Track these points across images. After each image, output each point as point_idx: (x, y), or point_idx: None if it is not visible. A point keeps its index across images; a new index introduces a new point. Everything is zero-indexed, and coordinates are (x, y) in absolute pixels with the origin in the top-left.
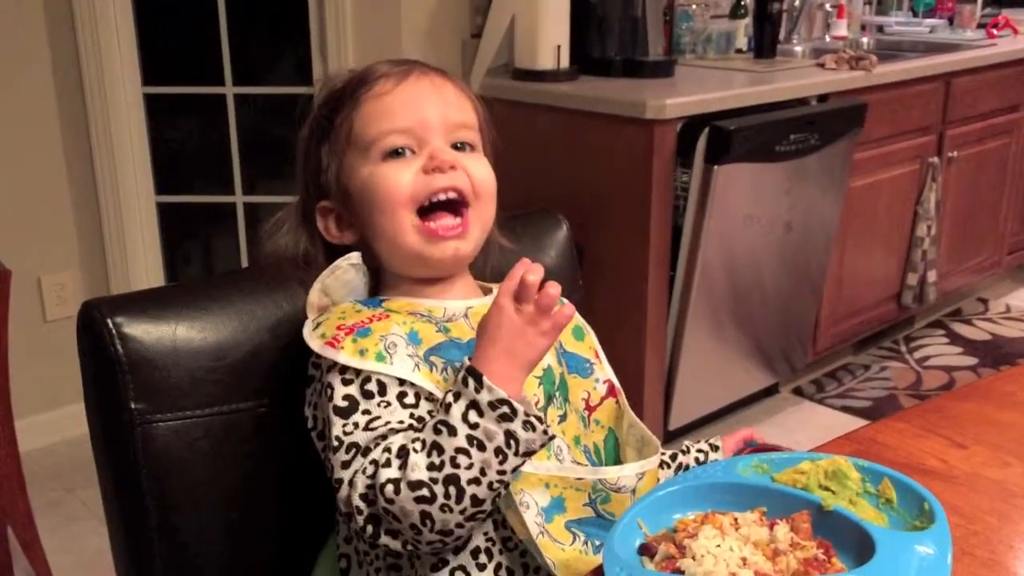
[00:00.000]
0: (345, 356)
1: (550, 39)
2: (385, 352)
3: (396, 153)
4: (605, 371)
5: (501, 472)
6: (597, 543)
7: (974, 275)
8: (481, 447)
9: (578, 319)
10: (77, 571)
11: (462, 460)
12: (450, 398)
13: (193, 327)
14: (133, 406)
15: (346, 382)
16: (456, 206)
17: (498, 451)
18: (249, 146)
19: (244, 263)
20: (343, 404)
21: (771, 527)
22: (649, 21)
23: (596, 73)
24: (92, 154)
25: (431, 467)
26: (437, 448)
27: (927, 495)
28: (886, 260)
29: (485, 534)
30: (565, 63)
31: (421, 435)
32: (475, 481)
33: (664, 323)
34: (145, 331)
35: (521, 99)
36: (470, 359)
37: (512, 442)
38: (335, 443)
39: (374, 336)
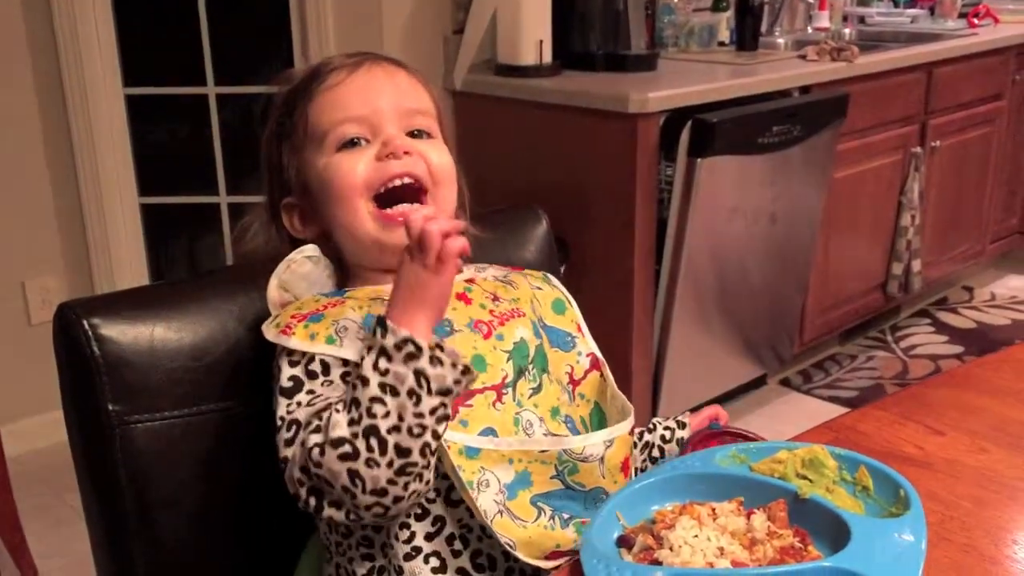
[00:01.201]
0: (296, 341)
1: (532, 34)
2: (335, 335)
3: (351, 143)
4: (588, 344)
5: (418, 415)
6: (566, 516)
7: (959, 264)
8: (394, 392)
9: (560, 291)
10: (65, 574)
11: (378, 409)
12: (363, 351)
13: (170, 327)
14: (111, 407)
15: (292, 363)
16: (414, 193)
17: (411, 392)
18: (232, 146)
19: (229, 263)
20: (288, 385)
21: (748, 516)
22: (631, 15)
23: (578, 68)
24: (74, 156)
25: (351, 422)
26: (355, 403)
27: (902, 481)
28: (871, 250)
29: (459, 520)
30: (547, 58)
31: (344, 396)
32: (395, 429)
33: (651, 317)
34: (121, 332)
35: (504, 95)
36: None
37: (423, 380)
38: (279, 423)
39: (326, 320)
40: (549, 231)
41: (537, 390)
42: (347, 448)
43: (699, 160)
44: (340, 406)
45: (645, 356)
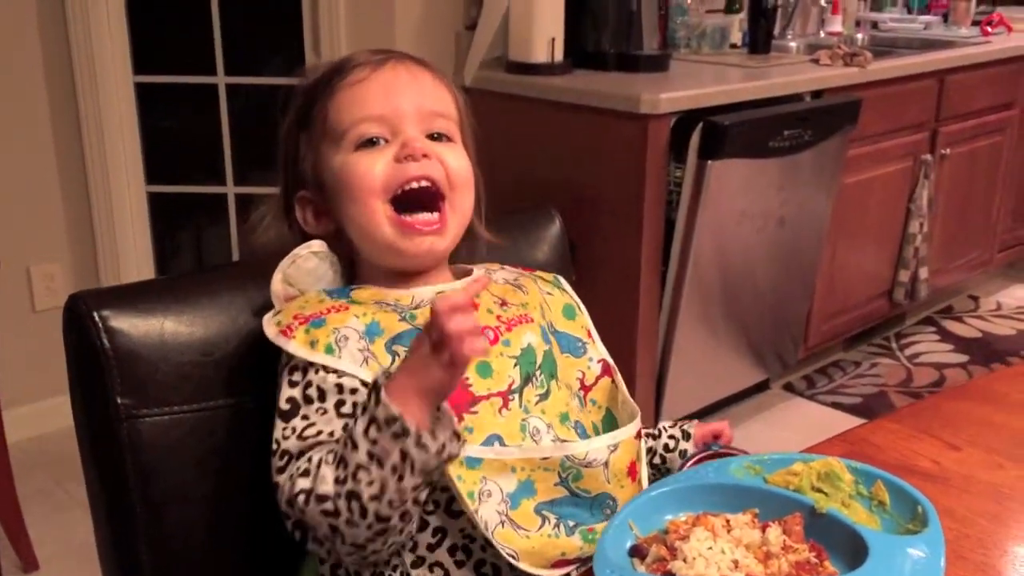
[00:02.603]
0: (295, 345)
1: (544, 32)
2: (335, 345)
3: (369, 142)
4: (599, 350)
5: (400, 491)
6: (572, 523)
7: (965, 272)
8: (380, 464)
9: (571, 296)
10: (63, 561)
11: (363, 476)
12: (358, 411)
13: (181, 321)
14: (119, 400)
15: (292, 384)
16: (432, 198)
17: (394, 469)
18: (241, 137)
19: (235, 254)
20: (286, 407)
21: (763, 529)
22: (644, 15)
23: (590, 67)
24: (82, 143)
25: (337, 480)
26: (343, 462)
27: (920, 498)
28: (878, 257)
29: (461, 531)
30: (559, 56)
31: (336, 447)
32: (376, 498)
33: (656, 318)
34: (132, 325)
35: (515, 92)
36: (386, 372)
37: (407, 461)
38: (274, 446)
39: (327, 328)
40: (563, 232)
41: (545, 396)
42: (330, 506)
43: (709, 162)
44: (331, 457)
45: (650, 357)
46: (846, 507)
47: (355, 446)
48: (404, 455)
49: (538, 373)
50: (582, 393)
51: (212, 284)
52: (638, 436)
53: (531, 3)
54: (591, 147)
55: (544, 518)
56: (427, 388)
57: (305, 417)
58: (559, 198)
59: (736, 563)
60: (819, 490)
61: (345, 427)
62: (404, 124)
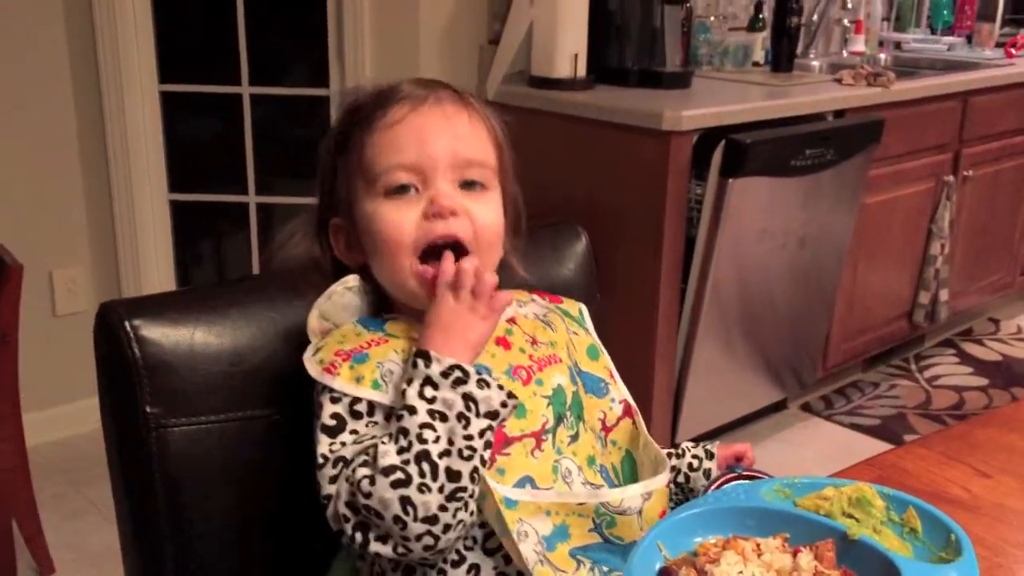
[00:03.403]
0: (341, 383)
1: (568, 47)
2: (381, 380)
3: (401, 189)
4: (620, 391)
5: (468, 437)
6: (606, 569)
7: (986, 295)
8: (443, 418)
9: (593, 338)
10: (80, 567)
11: (428, 435)
12: (404, 385)
13: (211, 332)
14: (148, 410)
15: (334, 400)
16: (458, 249)
17: (460, 416)
18: (263, 146)
19: (255, 263)
20: (331, 423)
21: (794, 554)
22: (667, 32)
23: (613, 82)
24: (107, 150)
25: (400, 450)
26: (403, 432)
27: (954, 526)
28: (898, 278)
29: (495, 568)
30: (582, 72)
31: (388, 429)
32: (446, 453)
33: (674, 335)
34: (163, 334)
35: (537, 107)
36: (418, 346)
37: (471, 404)
38: (320, 460)
39: (371, 363)
40: (589, 249)
41: (575, 438)
42: (399, 475)
43: (731, 180)
44: (386, 438)
45: (667, 374)
46: (877, 533)
47: (412, 411)
48: (467, 398)
49: (568, 414)
50: (603, 434)
51: (241, 295)
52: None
53: (554, 18)
54: (612, 163)
55: (579, 562)
56: (473, 341)
57: (355, 432)
58: (579, 213)
59: None
60: (850, 515)
61: None
62: (436, 174)
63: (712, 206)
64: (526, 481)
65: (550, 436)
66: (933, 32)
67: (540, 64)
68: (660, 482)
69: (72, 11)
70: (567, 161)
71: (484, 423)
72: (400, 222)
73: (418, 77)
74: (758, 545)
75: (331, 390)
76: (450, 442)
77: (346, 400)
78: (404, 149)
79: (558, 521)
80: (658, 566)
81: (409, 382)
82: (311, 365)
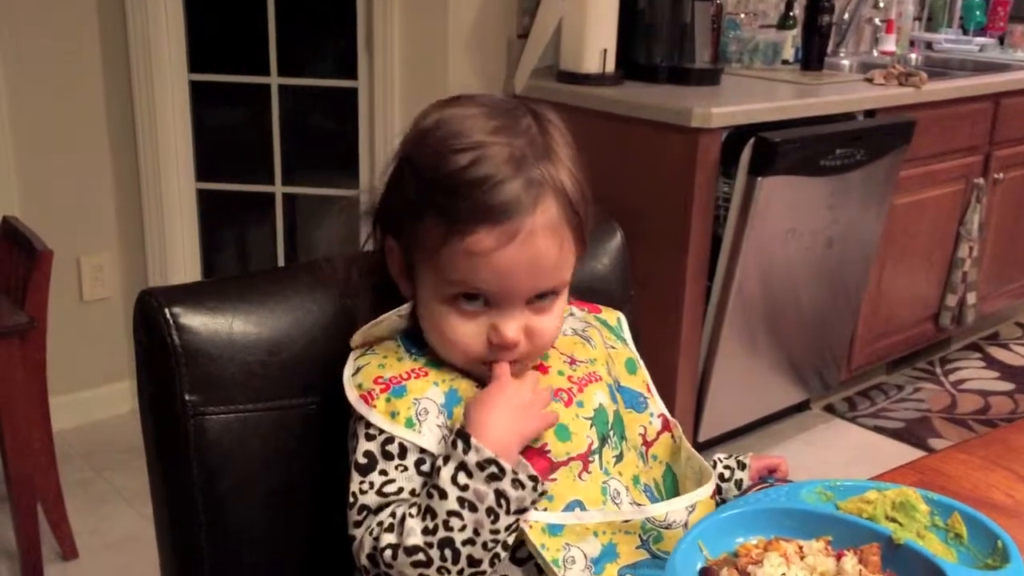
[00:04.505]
0: (377, 416)
1: (597, 43)
2: (416, 419)
3: (470, 298)
4: (658, 405)
5: (494, 531)
6: None
7: (1014, 299)
8: (472, 508)
9: (631, 350)
10: (103, 551)
11: (455, 523)
12: (440, 461)
13: (249, 320)
14: (187, 397)
15: (369, 437)
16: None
17: (489, 511)
18: (291, 137)
19: (281, 253)
20: (363, 461)
21: (838, 558)
22: (697, 28)
23: (641, 79)
24: (136, 138)
25: (426, 531)
26: (431, 512)
27: (1001, 532)
28: (926, 280)
29: None
30: (611, 67)
31: (418, 500)
32: (470, 542)
33: (699, 333)
34: (202, 323)
35: (565, 101)
36: (462, 424)
37: (503, 501)
38: (351, 499)
39: (408, 398)
40: (623, 245)
41: (619, 458)
42: (421, 556)
43: (759, 179)
44: (414, 511)
45: (691, 372)
46: (921, 538)
47: (443, 495)
48: (500, 495)
49: (611, 434)
50: (644, 449)
51: (279, 284)
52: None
53: (584, 14)
54: (640, 159)
55: None
56: (526, 435)
57: (384, 472)
58: (606, 208)
59: None
60: (893, 520)
61: (424, 484)
62: (510, 304)
63: (740, 204)
64: (575, 505)
65: (596, 457)
66: (965, 32)
67: (569, 59)
68: (704, 493)
69: (104, 1)
70: (594, 157)
71: (513, 519)
72: (462, 335)
73: (507, 139)
74: (800, 547)
75: (367, 423)
76: (476, 532)
77: (380, 439)
78: (484, 279)
79: (605, 540)
80: (699, 566)
81: (446, 460)
82: (350, 389)
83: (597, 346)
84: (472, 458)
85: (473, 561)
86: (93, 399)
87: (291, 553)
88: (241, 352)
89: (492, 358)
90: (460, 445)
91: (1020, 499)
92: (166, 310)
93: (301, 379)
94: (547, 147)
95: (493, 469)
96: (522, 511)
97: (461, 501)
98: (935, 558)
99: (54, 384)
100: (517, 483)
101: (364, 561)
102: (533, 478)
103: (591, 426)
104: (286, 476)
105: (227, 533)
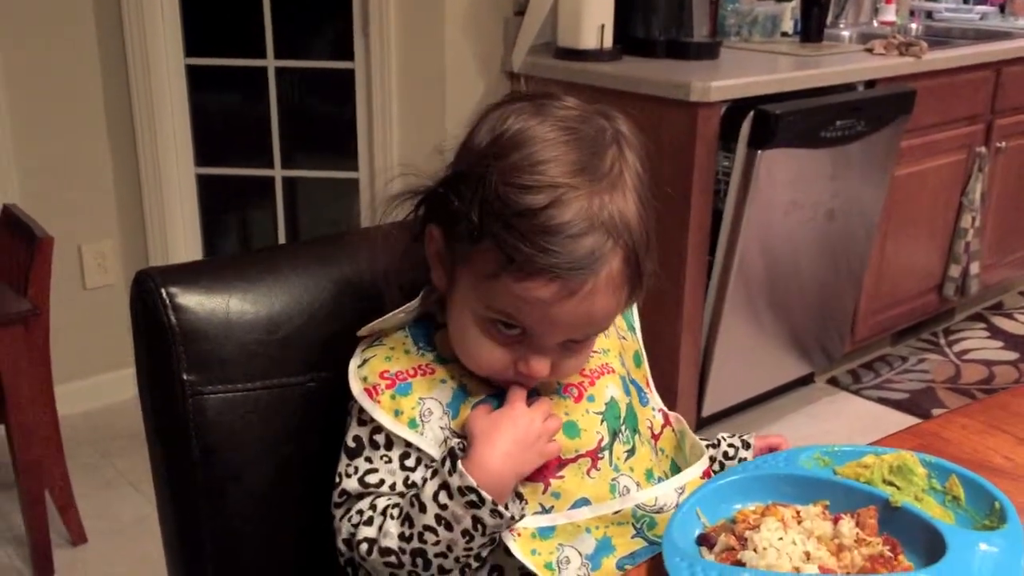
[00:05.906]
0: (380, 413)
1: (594, 18)
2: (419, 420)
3: (505, 325)
4: (656, 399)
5: (468, 550)
6: None
7: (1017, 268)
8: (448, 527)
9: (639, 343)
10: (111, 535)
11: (429, 537)
12: (428, 473)
13: (246, 299)
14: (185, 377)
15: (361, 422)
16: None
17: (465, 532)
18: (289, 120)
19: (282, 236)
20: (351, 445)
21: (835, 521)
22: (695, 2)
23: (640, 54)
24: (134, 124)
25: (402, 537)
26: (409, 521)
27: (998, 494)
28: (928, 251)
29: (520, 568)
30: (608, 43)
31: (401, 502)
32: (442, 555)
33: (701, 308)
34: (199, 302)
35: (563, 78)
36: (460, 443)
37: (479, 526)
38: (336, 479)
39: (413, 397)
40: None
41: (631, 453)
42: (394, 559)
43: (759, 152)
44: (396, 512)
45: (694, 347)
46: (919, 501)
47: (423, 508)
48: (477, 521)
49: (623, 428)
50: (653, 442)
51: (277, 263)
52: (703, 476)
53: None
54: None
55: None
56: (522, 472)
57: (369, 460)
58: None
59: (808, 555)
60: (890, 483)
61: (407, 480)
62: (546, 341)
63: (740, 178)
64: (582, 503)
65: (607, 453)
66: (965, 1)
67: (566, 35)
68: (694, 474)
69: None
70: None
71: (486, 539)
72: (490, 354)
73: (588, 182)
74: (798, 512)
75: (361, 410)
76: (449, 548)
77: (371, 426)
78: (530, 321)
79: (599, 535)
80: (697, 532)
81: (433, 474)
82: (355, 382)
83: (611, 336)
84: (455, 481)
85: (444, 571)
86: (99, 385)
87: (291, 528)
88: (239, 331)
89: (512, 380)
90: (448, 464)
91: (1019, 462)
92: (162, 290)
93: (300, 357)
94: (624, 189)
95: (473, 497)
96: (496, 535)
97: (438, 519)
98: (932, 520)
99: (60, 371)
100: (496, 513)
101: (340, 544)
102: (511, 514)
103: (601, 421)
104: (287, 453)
105: (228, 511)
